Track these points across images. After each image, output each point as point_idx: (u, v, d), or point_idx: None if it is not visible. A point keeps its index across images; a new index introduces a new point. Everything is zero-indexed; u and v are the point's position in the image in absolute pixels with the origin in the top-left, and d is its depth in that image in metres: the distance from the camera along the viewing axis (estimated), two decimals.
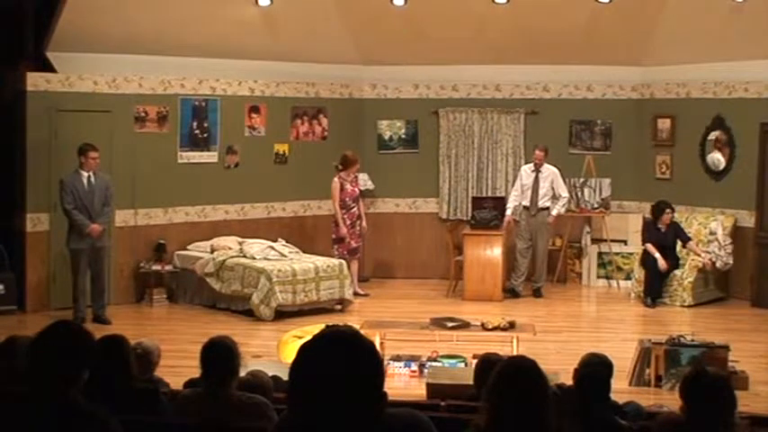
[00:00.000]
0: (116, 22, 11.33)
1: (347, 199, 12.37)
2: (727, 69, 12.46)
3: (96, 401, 3.65)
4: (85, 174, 10.70)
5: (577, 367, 5.10)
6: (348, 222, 12.39)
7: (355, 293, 12.20)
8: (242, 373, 5.01)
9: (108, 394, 4.30)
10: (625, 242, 13.23)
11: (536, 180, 12.59)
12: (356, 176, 12.52)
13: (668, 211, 12.18)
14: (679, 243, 12.22)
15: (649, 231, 12.24)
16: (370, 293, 12.57)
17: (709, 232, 12.38)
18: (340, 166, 12.45)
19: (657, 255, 11.98)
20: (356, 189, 12.44)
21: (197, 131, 12.50)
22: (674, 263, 12.13)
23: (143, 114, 12.04)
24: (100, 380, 4.40)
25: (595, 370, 5.08)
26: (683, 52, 12.79)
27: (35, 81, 11.28)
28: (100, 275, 10.92)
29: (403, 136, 13.98)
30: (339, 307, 11.68)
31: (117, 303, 11.54)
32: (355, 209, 12.44)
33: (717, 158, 12.73)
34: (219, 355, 4.75)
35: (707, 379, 4.44)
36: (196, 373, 4.92)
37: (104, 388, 4.41)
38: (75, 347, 3.58)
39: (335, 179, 12.38)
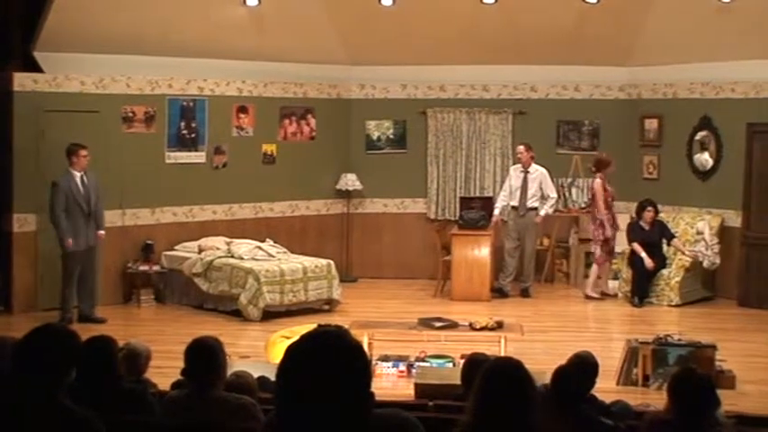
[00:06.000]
0: (103, 22, 11.30)
1: (609, 199, 12.45)
2: (715, 70, 12.50)
3: (83, 402, 3.65)
4: (77, 174, 10.71)
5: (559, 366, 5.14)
6: (612, 223, 12.48)
7: (603, 293, 12.54)
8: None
9: (95, 395, 4.30)
10: None
11: (525, 180, 12.62)
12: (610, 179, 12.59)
13: (649, 208, 12.25)
14: (666, 242, 12.30)
15: (634, 231, 12.29)
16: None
17: (696, 232, 12.42)
18: (594, 168, 12.59)
19: (643, 254, 12.02)
20: (611, 190, 12.53)
21: (185, 132, 12.48)
22: (661, 262, 12.18)
23: (131, 114, 12.01)
24: (87, 380, 4.40)
25: (571, 369, 5.11)
26: (671, 53, 12.83)
27: (22, 81, 11.24)
28: (91, 275, 10.91)
29: (391, 136, 13.98)
30: (327, 307, 11.68)
31: (104, 304, 11.48)
32: (613, 209, 12.56)
33: (704, 158, 12.78)
34: (203, 355, 4.74)
35: (695, 378, 4.48)
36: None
37: (91, 388, 4.41)
38: (60, 350, 3.58)
39: (598, 180, 12.45)
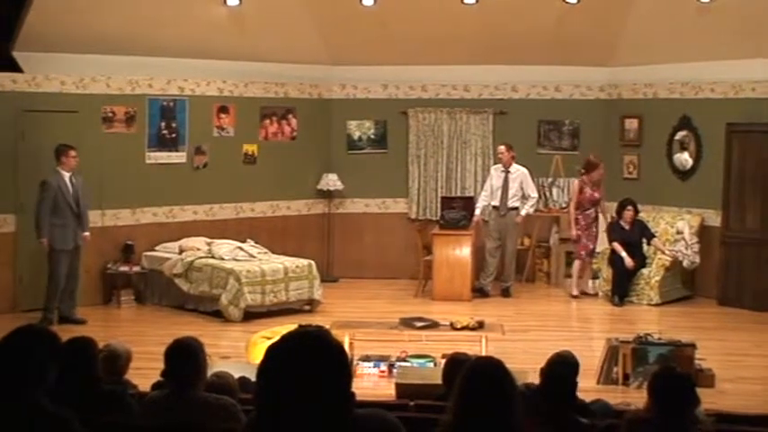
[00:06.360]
0: (83, 21, 11.25)
1: (584, 202, 12.62)
2: (694, 70, 12.56)
3: (63, 403, 3.64)
4: (67, 174, 10.68)
5: (543, 367, 5.14)
6: (583, 223, 12.63)
7: (583, 292, 12.72)
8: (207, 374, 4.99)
9: (75, 396, 4.28)
10: None
11: (506, 180, 12.64)
12: (599, 182, 12.69)
13: (629, 208, 12.30)
14: (646, 241, 12.35)
15: (614, 230, 12.35)
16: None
17: (675, 231, 12.47)
18: (583, 170, 12.75)
19: (623, 253, 12.07)
20: (595, 194, 12.64)
21: (165, 132, 12.44)
22: (641, 261, 12.23)
23: (111, 115, 11.97)
24: (67, 381, 4.38)
25: (558, 370, 5.11)
26: (650, 53, 12.88)
27: (1, 81, 11.18)
28: (75, 275, 10.87)
29: (372, 136, 13.98)
30: (308, 307, 11.67)
31: (84, 305, 11.41)
32: (591, 211, 12.68)
33: (683, 158, 12.83)
34: (183, 355, 4.72)
35: (675, 377, 4.51)
36: None
37: (71, 390, 4.39)
38: (41, 351, 3.57)
39: (576, 181, 12.74)
